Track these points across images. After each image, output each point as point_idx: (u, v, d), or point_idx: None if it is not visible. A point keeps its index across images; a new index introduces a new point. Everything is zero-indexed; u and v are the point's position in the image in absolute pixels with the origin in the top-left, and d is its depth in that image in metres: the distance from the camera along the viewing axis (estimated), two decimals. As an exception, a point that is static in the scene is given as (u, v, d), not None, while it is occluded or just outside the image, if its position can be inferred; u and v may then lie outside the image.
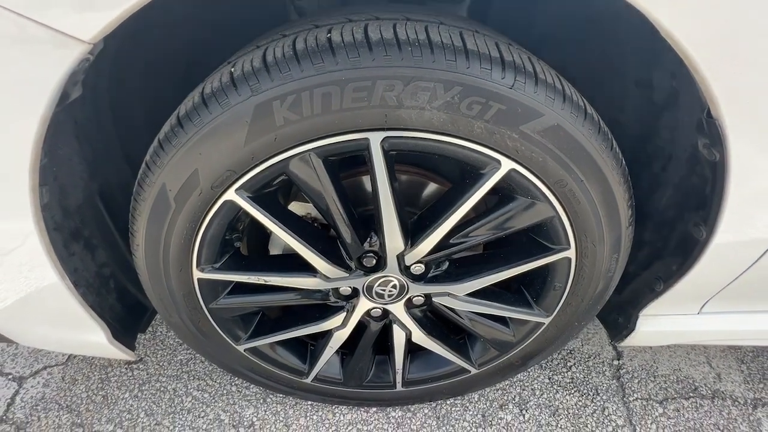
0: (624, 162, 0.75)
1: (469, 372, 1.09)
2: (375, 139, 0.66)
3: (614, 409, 1.24)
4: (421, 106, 0.62)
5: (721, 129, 0.63)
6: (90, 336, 0.92)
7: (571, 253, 0.82)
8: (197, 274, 0.82)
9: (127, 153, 0.97)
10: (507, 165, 0.69)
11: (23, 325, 0.93)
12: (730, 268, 0.86)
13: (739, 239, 0.79)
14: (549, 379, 1.31)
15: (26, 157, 0.61)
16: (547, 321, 0.96)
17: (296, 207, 0.95)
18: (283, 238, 0.78)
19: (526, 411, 1.22)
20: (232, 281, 0.88)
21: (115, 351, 0.96)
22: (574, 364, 1.36)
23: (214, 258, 0.81)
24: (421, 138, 0.66)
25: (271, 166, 0.67)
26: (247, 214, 0.74)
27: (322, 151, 0.67)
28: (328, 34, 0.61)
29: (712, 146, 0.69)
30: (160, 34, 0.87)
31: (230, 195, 0.70)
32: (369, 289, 0.90)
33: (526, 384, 1.29)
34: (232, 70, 0.63)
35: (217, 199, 0.71)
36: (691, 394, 1.29)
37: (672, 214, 0.90)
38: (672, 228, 0.90)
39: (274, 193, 0.78)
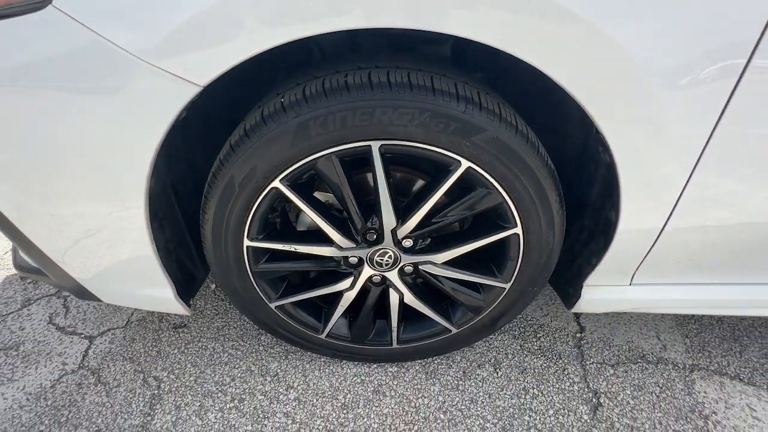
0: (550, 162, 1.09)
1: (450, 332, 1.43)
2: (375, 146, 1.02)
3: (573, 369, 1.57)
4: (405, 124, 0.98)
5: (605, 140, 0.98)
6: (162, 292, 1.27)
7: (518, 230, 1.17)
8: (247, 242, 1.17)
9: (188, 157, 1.33)
10: (465, 164, 1.04)
11: (112, 285, 1.29)
12: (637, 247, 1.20)
13: (638, 224, 1.13)
14: (521, 346, 1.65)
15: (150, 157, 0.97)
16: (507, 286, 1.30)
17: (318, 195, 1.31)
18: (310, 216, 1.14)
19: (500, 369, 1.56)
20: (270, 249, 1.23)
21: (178, 306, 1.31)
22: (543, 335, 1.70)
23: (260, 231, 1.17)
24: (405, 146, 1.01)
25: (305, 163, 1.03)
26: (285, 198, 1.10)
27: (339, 154, 1.03)
28: (345, 78, 0.98)
29: (605, 152, 1.03)
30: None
31: (276, 184, 1.06)
32: (371, 259, 1.25)
33: (500, 350, 1.63)
34: (282, 100, 0.99)
35: (267, 187, 1.07)
36: (639, 360, 1.62)
37: (599, 204, 1.24)
38: (599, 214, 1.24)
39: (305, 184, 1.14)
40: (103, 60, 0.86)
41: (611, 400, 1.47)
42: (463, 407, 1.42)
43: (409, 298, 1.35)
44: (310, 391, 1.45)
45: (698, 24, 0.84)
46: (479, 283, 1.33)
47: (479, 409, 1.42)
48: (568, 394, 1.48)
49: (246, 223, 1.13)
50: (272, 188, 1.07)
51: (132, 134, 0.94)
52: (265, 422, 1.35)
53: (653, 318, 1.79)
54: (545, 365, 1.58)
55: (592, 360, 1.61)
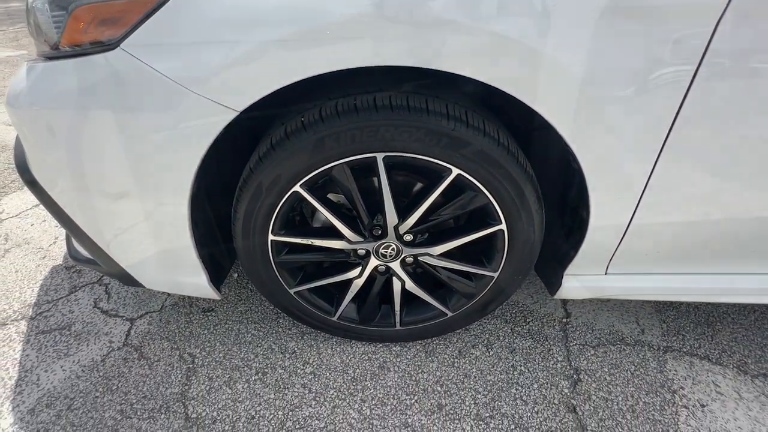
0: (529, 168, 1.31)
1: (447, 315, 1.67)
2: (379, 157, 1.25)
3: (557, 350, 1.80)
4: (404, 140, 1.21)
5: (572, 151, 1.20)
6: (197, 279, 1.52)
7: (503, 226, 1.39)
8: (271, 237, 1.41)
9: (218, 165, 1.57)
10: (456, 171, 1.27)
11: (154, 273, 1.55)
12: (607, 241, 1.42)
13: (606, 222, 1.35)
14: (511, 330, 1.88)
15: (195, 167, 1.21)
16: (495, 275, 1.53)
17: (331, 196, 1.55)
18: (325, 214, 1.38)
19: (491, 349, 1.79)
20: (290, 243, 1.47)
21: (210, 292, 1.56)
22: (532, 320, 1.93)
23: (282, 227, 1.41)
24: (405, 156, 1.24)
25: (321, 171, 1.27)
26: (304, 200, 1.34)
27: (350, 163, 1.26)
28: (354, 101, 1.20)
29: (573, 160, 1.25)
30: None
31: (296, 188, 1.30)
32: (376, 251, 1.48)
33: (493, 332, 1.86)
34: (302, 119, 1.22)
35: (289, 190, 1.30)
36: (618, 342, 1.84)
37: (575, 204, 1.46)
38: (576, 213, 1.46)
39: (320, 188, 1.37)
40: (161, 90, 1.10)
41: (590, 377, 1.70)
42: (457, 381, 1.66)
43: (410, 285, 1.58)
44: (323, 366, 1.69)
45: (649, 37, 1.01)
46: (471, 272, 1.56)
47: (472, 382, 1.66)
48: (551, 371, 1.71)
49: (271, 220, 1.37)
50: (293, 191, 1.31)
51: (183, 149, 1.18)
52: (286, 392, 1.60)
53: (634, 305, 2.01)
54: (532, 346, 1.81)
55: (575, 342, 1.84)
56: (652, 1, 1.00)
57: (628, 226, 1.38)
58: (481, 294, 1.60)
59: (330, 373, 1.67)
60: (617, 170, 1.23)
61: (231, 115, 1.13)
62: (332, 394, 1.60)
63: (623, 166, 1.22)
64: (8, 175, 2.97)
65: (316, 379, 1.65)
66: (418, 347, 1.79)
